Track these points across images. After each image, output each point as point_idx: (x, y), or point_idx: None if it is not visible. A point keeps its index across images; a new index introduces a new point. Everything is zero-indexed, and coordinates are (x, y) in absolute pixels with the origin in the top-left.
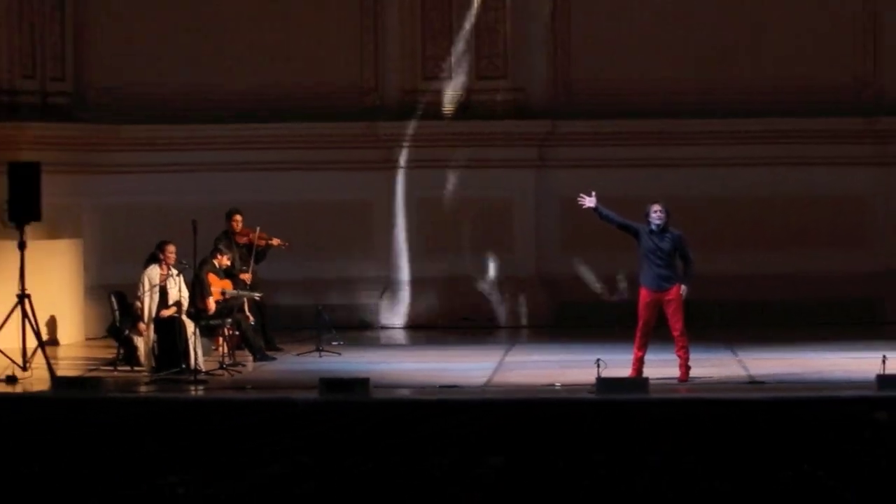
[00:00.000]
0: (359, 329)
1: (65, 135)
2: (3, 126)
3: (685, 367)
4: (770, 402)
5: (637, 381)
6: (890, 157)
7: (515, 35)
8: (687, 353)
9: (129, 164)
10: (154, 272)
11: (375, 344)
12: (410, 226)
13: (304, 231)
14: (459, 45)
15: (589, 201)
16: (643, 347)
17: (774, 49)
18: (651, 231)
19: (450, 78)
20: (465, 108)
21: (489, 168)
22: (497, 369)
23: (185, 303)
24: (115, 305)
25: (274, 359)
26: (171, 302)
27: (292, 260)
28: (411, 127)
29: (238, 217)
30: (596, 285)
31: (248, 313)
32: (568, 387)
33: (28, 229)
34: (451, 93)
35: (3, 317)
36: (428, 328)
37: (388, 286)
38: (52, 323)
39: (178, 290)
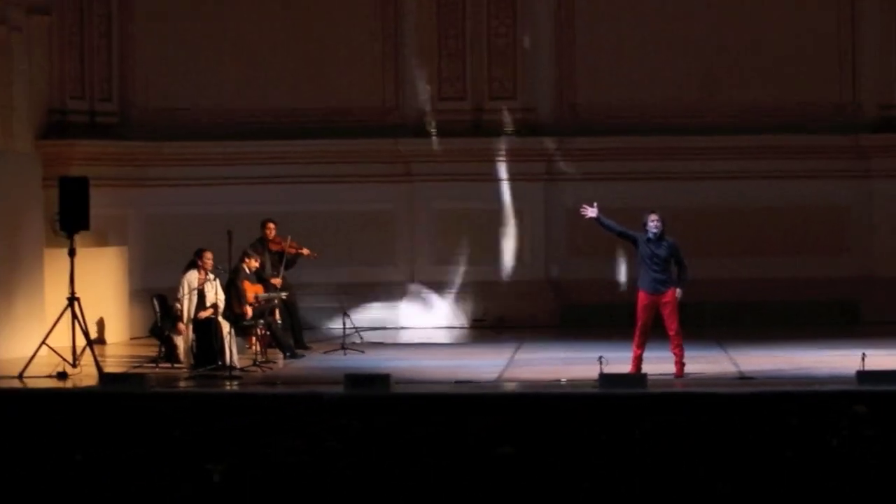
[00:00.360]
0: (380, 329)
1: (111, 151)
2: (54, 143)
3: (680, 364)
4: (758, 395)
5: (636, 377)
6: (870, 171)
7: (524, 59)
8: (682, 350)
9: (169, 178)
10: (193, 277)
11: (396, 343)
12: (428, 234)
13: (332, 238)
14: (473, 68)
15: (591, 212)
16: (641, 346)
17: (764, 72)
18: (648, 239)
19: (464, 98)
20: (479, 127)
21: (501, 181)
22: (508, 366)
23: (221, 305)
24: (156, 307)
25: (303, 356)
26: (208, 304)
27: (320, 265)
28: (429, 143)
29: (271, 225)
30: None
31: (277, 314)
32: (573, 382)
33: (77, 238)
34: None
35: (55, 318)
36: (444, 328)
37: (407, 290)
38: (99, 324)
39: (215, 293)
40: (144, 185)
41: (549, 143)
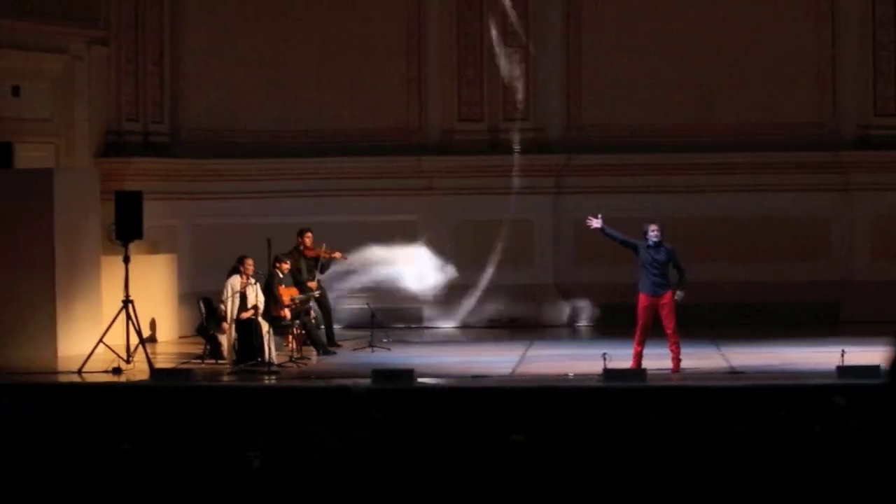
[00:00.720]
0: (405, 328)
1: (162, 168)
2: (111, 161)
3: (677, 360)
4: (748, 388)
5: (637, 372)
6: (849, 185)
7: (536, 84)
8: (678, 348)
9: (215, 192)
10: (235, 281)
11: (419, 341)
12: (449, 243)
13: (361, 245)
14: (489, 92)
15: (595, 223)
16: (642, 344)
17: (751, 96)
18: (648, 246)
19: (481, 120)
20: (494, 145)
21: (514, 195)
22: (520, 362)
23: (261, 307)
24: (202, 309)
25: (334, 353)
26: (249, 306)
27: (351, 270)
28: (449, 161)
29: (309, 234)
30: None
31: (311, 314)
32: (579, 376)
33: (131, 246)
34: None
35: (111, 319)
36: (463, 328)
37: (430, 293)
38: (151, 324)
39: (256, 296)
40: (192, 198)
41: (558, 160)
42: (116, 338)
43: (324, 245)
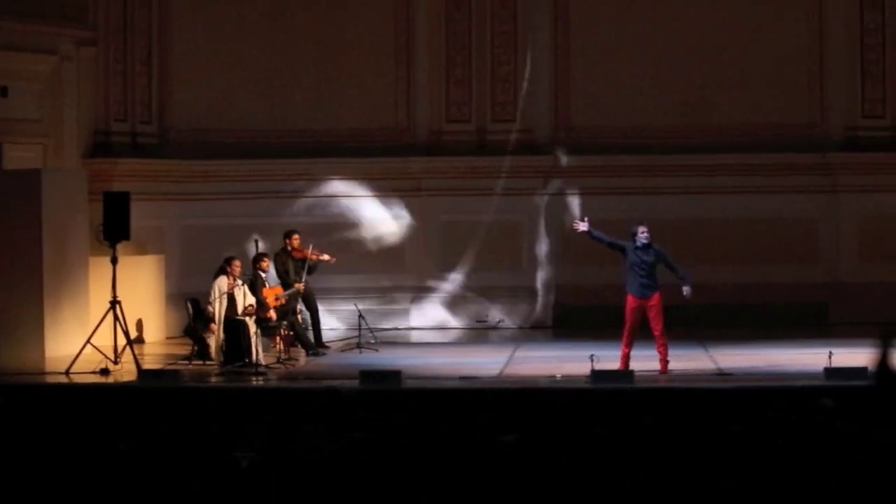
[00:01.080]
0: (392, 330)
1: (150, 169)
2: (99, 161)
3: (665, 362)
4: (736, 390)
5: (624, 373)
6: (836, 187)
7: (524, 86)
8: (666, 349)
9: (203, 193)
10: (223, 282)
11: (406, 342)
12: (436, 243)
13: (348, 247)
14: (478, 93)
15: (582, 226)
16: (629, 345)
17: (740, 97)
18: (637, 247)
19: (469, 121)
20: (483, 146)
21: (502, 196)
22: (508, 363)
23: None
24: (190, 310)
25: (323, 354)
26: (239, 306)
27: (338, 271)
28: (438, 161)
29: (296, 236)
30: None
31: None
32: (567, 377)
33: (119, 247)
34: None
35: (99, 320)
36: (450, 329)
37: (417, 294)
38: (138, 324)
39: (243, 297)
40: (180, 199)
41: (546, 161)
42: (104, 338)
43: (311, 246)
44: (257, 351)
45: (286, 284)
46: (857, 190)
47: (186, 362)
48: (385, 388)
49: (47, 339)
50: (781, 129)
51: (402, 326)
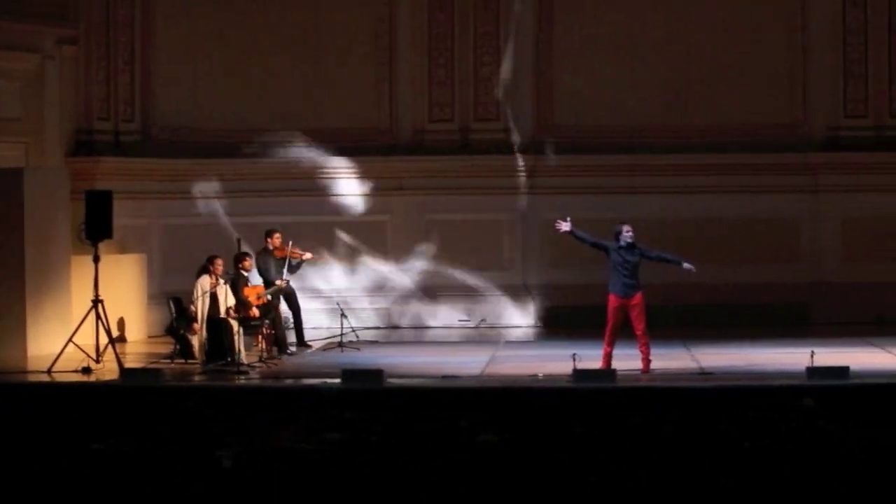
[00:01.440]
0: (375, 328)
1: (132, 167)
2: (81, 160)
3: (647, 361)
4: (718, 389)
5: (606, 372)
6: (818, 187)
7: (506, 85)
8: (648, 349)
9: (184, 192)
10: (205, 281)
11: (388, 341)
12: (419, 242)
13: (331, 246)
14: (460, 93)
15: (565, 226)
16: (611, 344)
17: (724, 97)
18: (620, 247)
19: (452, 120)
20: (465, 146)
21: (485, 195)
22: (489, 362)
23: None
24: (172, 309)
25: (294, 353)
26: (221, 305)
27: (320, 269)
28: (419, 161)
29: (277, 235)
30: None
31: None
32: (549, 377)
33: (101, 246)
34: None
35: (81, 318)
36: (432, 328)
37: (399, 293)
38: (120, 323)
39: (226, 296)
40: (162, 198)
41: (529, 161)
42: (86, 337)
43: (290, 244)
44: (239, 350)
45: (268, 283)
46: (840, 190)
47: (168, 361)
48: (367, 387)
49: (29, 337)
50: (764, 128)
51: (384, 325)
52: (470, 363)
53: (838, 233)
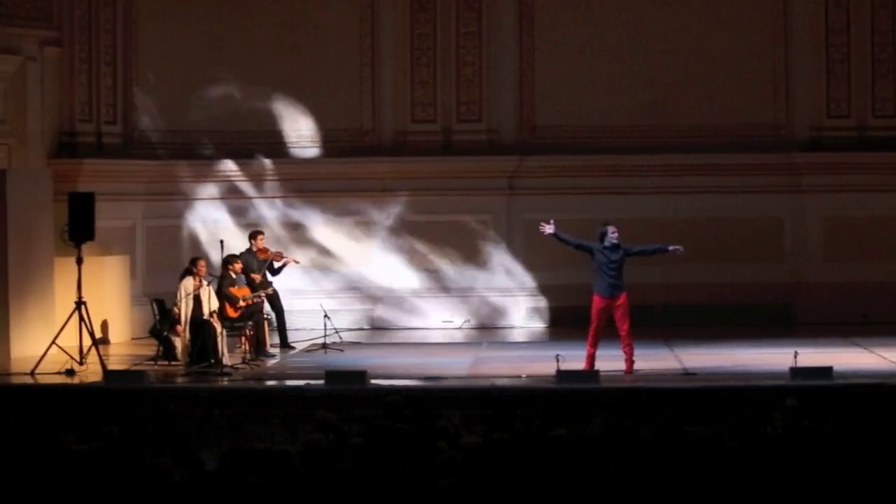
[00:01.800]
0: (358, 329)
1: (115, 169)
2: (64, 162)
3: (630, 362)
4: (701, 389)
5: (590, 373)
6: (802, 187)
7: (489, 86)
8: (632, 349)
9: (167, 193)
10: (189, 283)
11: (371, 342)
12: (402, 244)
13: (314, 247)
14: (442, 94)
15: (549, 229)
16: (595, 345)
17: (707, 97)
18: (605, 247)
19: (435, 121)
20: (448, 147)
21: (468, 196)
22: (473, 363)
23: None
24: (155, 311)
25: (273, 355)
26: (205, 307)
27: (304, 271)
28: (403, 162)
29: (261, 237)
30: None
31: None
32: (532, 377)
33: (84, 247)
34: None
35: (64, 320)
36: (415, 329)
37: (382, 295)
38: (103, 325)
39: (209, 297)
40: (145, 199)
41: (511, 162)
42: (69, 339)
43: (271, 249)
44: (222, 351)
45: (251, 284)
46: (823, 190)
47: (152, 363)
48: (350, 388)
49: (12, 339)
50: (747, 128)
51: (367, 327)
52: (453, 364)
53: (821, 233)
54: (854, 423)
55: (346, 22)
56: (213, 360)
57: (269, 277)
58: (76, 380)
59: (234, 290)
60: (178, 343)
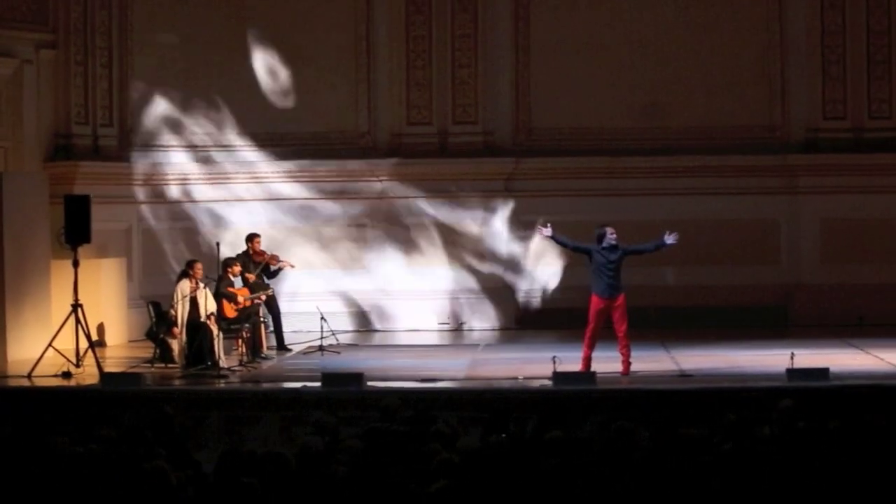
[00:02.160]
0: (354, 331)
1: (111, 172)
2: (60, 164)
3: (627, 363)
4: (697, 391)
5: (586, 375)
6: (797, 188)
7: (485, 88)
8: (629, 351)
9: (163, 196)
10: (185, 285)
11: (368, 344)
12: (399, 245)
13: (310, 249)
14: (438, 96)
15: (546, 231)
16: (591, 347)
17: (703, 99)
18: (604, 248)
19: (430, 124)
20: (444, 149)
21: (464, 198)
22: (469, 365)
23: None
24: (152, 313)
25: (266, 358)
26: (201, 309)
27: (299, 273)
28: (398, 164)
29: (258, 239)
30: None
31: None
32: (529, 379)
33: (81, 250)
34: None
35: (61, 323)
36: (412, 331)
37: (378, 297)
38: (100, 328)
39: (206, 300)
40: (141, 202)
41: (507, 164)
42: (66, 342)
43: (268, 252)
44: (219, 354)
45: (248, 286)
46: (819, 192)
47: (149, 365)
48: (347, 390)
49: (9, 342)
50: (743, 130)
51: (363, 329)
52: (450, 366)
53: (818, 234)
54: (851, 424)
55: (342, 24)
56: (209, 363)
57: (265, 280)
58: (73, 382)
59: (233, 290)
60: (175, 345)
